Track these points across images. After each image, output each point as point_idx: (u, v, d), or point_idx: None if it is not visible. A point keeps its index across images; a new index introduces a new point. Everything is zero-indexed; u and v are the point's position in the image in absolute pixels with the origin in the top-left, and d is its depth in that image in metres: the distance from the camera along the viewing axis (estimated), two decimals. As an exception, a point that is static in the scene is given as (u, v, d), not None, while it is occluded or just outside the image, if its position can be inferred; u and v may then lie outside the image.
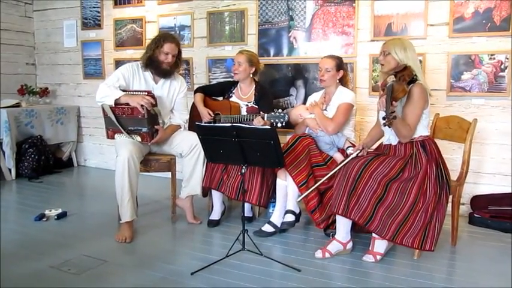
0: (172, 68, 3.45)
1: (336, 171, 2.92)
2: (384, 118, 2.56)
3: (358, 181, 2.70)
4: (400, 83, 2.64)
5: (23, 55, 5.74)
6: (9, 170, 4.73)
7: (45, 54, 5.82)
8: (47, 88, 5.62)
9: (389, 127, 2.60)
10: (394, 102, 2.59)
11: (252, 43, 4.39)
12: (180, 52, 3.48)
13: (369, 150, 3.05)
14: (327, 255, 2.85)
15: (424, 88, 2.72)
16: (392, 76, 2.68)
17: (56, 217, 3.56)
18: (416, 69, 2.74)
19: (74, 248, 2.99)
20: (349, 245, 2.91)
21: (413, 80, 2.70)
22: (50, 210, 3.63)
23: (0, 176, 4.79)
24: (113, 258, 2.84)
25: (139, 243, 3.11)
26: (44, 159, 5.04)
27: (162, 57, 3.36)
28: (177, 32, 4.75)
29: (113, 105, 3.20)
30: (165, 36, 3.44)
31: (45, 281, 2.52)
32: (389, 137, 2.90)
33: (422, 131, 2.81)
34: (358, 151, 2.95)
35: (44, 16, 5.75)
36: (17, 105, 5.03)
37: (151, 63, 3.40)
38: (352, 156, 2.90)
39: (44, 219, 3.55)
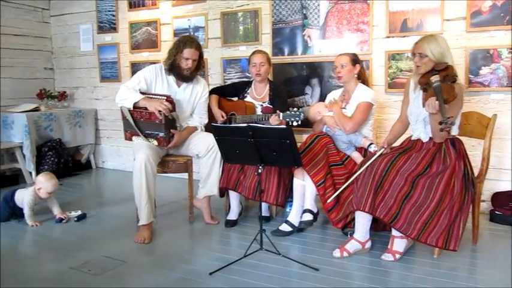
0: (193, 73, 3.45)
1: (362, 171, 2.88)
2: (440, 123, 2.47)
3: (385, 178, 2.68)
4: (448, 85, 2.58)
5: (41, 60, 5.83)
6: (30, 172, 4.81)
7: (63, 59, 5.91)
8: (64, 92, 5.71)
9: (448, 133, 2.54)
10: (446, 106, 2.52)
11: (266, 42, 4.39)
12: (201, 56, 3.46)
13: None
14: (345, 254, 2.83)
15: (462, 88, 2.69)
16: (437, 76, 2.61)
17: (75, 219, 3.61)
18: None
19: (93, 249, 3.03)
20: (368, 244, 2.89)
21: (455, 80, 2.67)
22: (70, 212, 3.68)
23: (21, 179, 4.87)
24: (132, 259, 2.87)
25: (158, 244, 3.14)
26: (63, 162, 5.12)
27: (183, 64, 3.36)
28: (192, 33, 4.77)
29: (132, 109, 3.23)
30: (185, 41, 3.40)
31: (66, 282, 2.56)
32: (420, 134, 2.84)
33: (455, 129, 2.78)
34: (383, 149, 2.91)
35: (61, 21, 5.83)
36: (36, 109, 5.11)
37: (173, 69, 3.42)
38: (376, 155, 2.86)
39: (64, 221, 3.60)
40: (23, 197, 3.55)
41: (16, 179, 4.91)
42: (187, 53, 3.34)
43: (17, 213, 3.60)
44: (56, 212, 3.63)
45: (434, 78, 2.60)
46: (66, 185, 4.86)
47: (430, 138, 2.79)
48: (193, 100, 3.55)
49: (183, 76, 3.43)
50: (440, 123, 2.47)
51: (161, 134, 3.27)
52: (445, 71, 2.64)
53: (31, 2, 5.64)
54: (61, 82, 5.96)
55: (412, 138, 2.91)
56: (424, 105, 2.65)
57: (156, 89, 3.43)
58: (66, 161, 5.19)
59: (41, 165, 4.93)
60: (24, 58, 5.60)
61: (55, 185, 3.60)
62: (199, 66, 3.49)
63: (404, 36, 3.76)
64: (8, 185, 4.70)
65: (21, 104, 5.22)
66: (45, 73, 5.89)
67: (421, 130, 2.82)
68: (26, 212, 3.51)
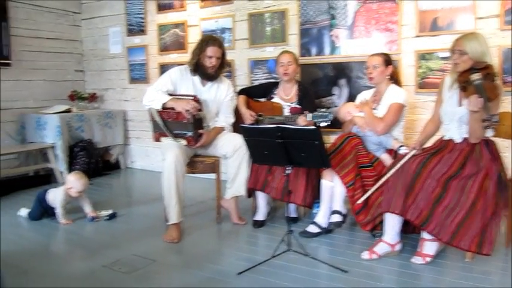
0: (217, 71, 3.49)
1: (393, 172, 2.84)
2: (484, 120, 2.43)
3: (416, 179, 2.63)
4: (490, 83, 2.53)
5: (72, 62, 5.97)
6: (62, 172, 4.93)
7: (93, 61, 6.03)
8: (95, 93, 5.83)
9: (493, 131, 2.49)
10: (489, 104, 2.48)
11: (293, 43, 4.38)
12: (224, 54, 3.50)
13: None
14: (374, 256, 2.80)
15: (501, 87, 2.64)
16: (478, 74, 2.54)
17: (106, 218, 3.69)
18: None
19: (124, 248, 3.09)
20: (398, 247, 2.85)
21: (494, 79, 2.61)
22: (101, 211, 3.76)
23: (53, 178, 5.00)
24: (161, 258, 2.91)
25: (186, 244, 3.17)
26: (93, 162, 5.22)
27: (207, 62, 3.40)
28: (219, 34, 4.80)
29: (160, 110, 3.28)
30: (207, 40, 3.46)
31: (99, 280, 2.61)
32: (453, 134, 2.78)
33: (489, 131, 2.72)
34: (414, 151, 2.86)
35: (91, 24, 5.96)
36: (68, 111, 5.24)
37: (198, 69, 3.46)
38: (407, 157, 2.81)
39: (96, 219, 3.68)
40: (54, 197, 3.64)
41: (48, 179, 5.03)
42: (211, 51, 3.38)
43: (49, 212, 3.70)
44: (88, 210, 3.72)
45: (475, 76, 2.53)
46: (97, 184, 4.96)
47: (464, 139, 2.73)
48: (219, 99, 3.58)
49: (208, 75, 3.46)
50: (484, 120, 2.42)
51: (189, 134, 3.30)
52: (486, 70, 2.57)
53: (63, 6, 5.78)
54: (91, 84, 6.09)
55: (445, 138, 2.86)
56: (461, 104, 2.60)
57: (182, 89, 3.47)
58: (96, 161, 5.29)
59: (72, 165, 5.03)
60: (56, 61, 5.74)
61: (85, 184, 3.68)
62: (223, 65, 3.53)
63: (434, 36, 3.69)
64: (41, 184, 4.83)
65: (53, 105, 5.36)
66: (76, 75, 6.03)
67: (454, 130, 2.76)
68: (58, 211, 3.60)
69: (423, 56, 3.74)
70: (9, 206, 4.11)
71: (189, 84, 3.50)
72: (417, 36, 3.77)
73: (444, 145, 2.82)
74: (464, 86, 2.62)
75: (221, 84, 3.59)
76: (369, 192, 2.99)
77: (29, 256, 2.98)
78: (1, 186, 4.56)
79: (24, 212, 3.77)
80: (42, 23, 5.55)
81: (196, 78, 3.52)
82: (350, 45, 4.09)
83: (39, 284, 2.57)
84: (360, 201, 3.02)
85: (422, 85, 3.78)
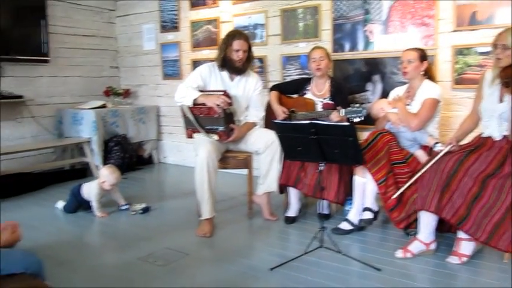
0: (245, 64, 3.51)
1: (427, 169, 2.79)
2: None
3: (453, 177, 2.58)
4: None
5: (107, 59, 6.10)
6: (97, 166, 5.04)
7: (127, 58, 6.15)
8: (129, 89, 5.94)
9: None
10: None
11: (326, 39, 4.34)
12: (250, 47, 3.52)
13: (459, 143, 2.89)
14: (408, 255, 2.76)
15: None
16: None
17: (141, 211, 3.76)
18: None
19: (157, 241, 3.14)
20: (433, 246, 2.80)
21: None
22: (135, 205, 3.83)
23: (89, 172, 5.13)
24: (194, 252, 2.95)
25: (218, 238, 3.20)
26: (127, 157, 5.32)
27: (234, 56, 3.42)
28: (251, 30, 4.81)
29: (191, 106, 3.32)
30: (233, 34, 3.50)
31: (134, 272, 2.67)
32: (493, 132, 2.70)
33: None
34: (450, 146, 2.80)
35: (126, 21, 6.06)
36: (103, 106, 5.35)
37: (226, 63, 3.48)
38: (443, 151, 2.76)
39: (133, 213, 3.76)
40: (89, 190, 3.73)
41: (84, 173, 5.17)
42: (237, 44, 3.40)
43: (83, 205, 3.80)
44: (120, 201, 3.84)
45: None
46: (131, 178, 5.06)
47: (504, 137, 2.65)
48: (247, 93, 3.60)
49: (236, 68, 3.48)
50: None
51: (221, 128, 3.33)
52: None
53: (99, 4, 5.91)
54: (125, 80, 6.20)
55: (483, 135, 2.78)
56: (502, 101, 2.52)
57: (211, 86, 3.51)
58: (130, 156, 5.39)
59: (107, 159, 5.13)
60: (92, 57, 5.88)
61: (118, 178, 3.76)
62: (250, 58, 3.54)
63: (473, 30, 3.59)
64: (76, 178, 4.97)
65: (89, 101, 5.49)
66: (111, 71, 6.16)
67: (494, 127, 2.68)
68: (94, 204, 3.69)
69: (461, 51, 3.65)
70: (45, 199, 4.25)
71: (217, 80, 3.53)
72: (454, 31, 3.68)
73: (482, 142, 2.75)
74: (507, 81, 2.54)
75: (249, 78, 3.60)
76: (402, 189, 2.94)
77: (66, 248, 3.07)
78: (39, 179, 4.71)
79: (61, 204, 3.88)
80: (78, 21, 5.69)
81: (225, 74, 3.54)
82: (384, 40, 4.03)
83: (76, 275, 2.65)
84: (393, 198, 2.97)
85: (459, 81, 3.69)
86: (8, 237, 1.95)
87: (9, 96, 4.86)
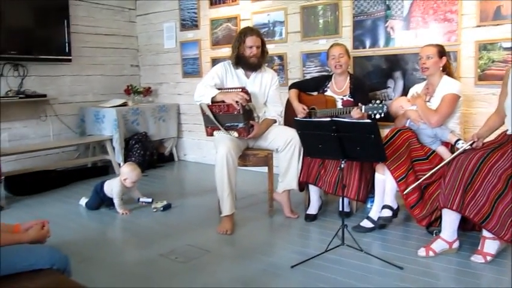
0: (259, 60, 3.51)
1: (444, 165, 2.76)
2: None
3: (476, 175, 2.53)
4: None
5: (128, 57, 6.17)
6: (119, 164, 5.11)
7: (148, 56, 6.20)
8: (149, 87, 5.99)
9: None
10: None
11: (346, 35, 4.31)
12: (263, 42, 3.52)
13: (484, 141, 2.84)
14: (431, 253, 2.73)
15: None
16: None
17: (162, 208, 3.80)
18: None
19: (179, 238, 3.17)
20: (456, 244, 2.75)
21: None
22: (156, 202, 3.87)
23: (111, 170, 5.20)
24: (215, 249, 2.97)
25: (239, 236, 3.21)
26: (148, 154, 5.37)
27: (248, 52, 3.44)
28: (271, 28, 4.81)
29: (210, 104, 3.33)
30: (245, 31, 3.52)
31: (157, 268, 2.70)
32: None
33: None
34: (472, 142, 2.76)
35: (146, 20, 6.12)
36: (124, 104, 5.41)
37: (240, 61, 3.49)
38: (464, 147, 2.72)
39: (154, 210, 3.80)
40: (111, 187, 3.79)
41: (106, 170, 5.24)
42: (250, 41, 3.42)
43: (106, 202, 3.86)
44: (138, 195, 3.91)
45: None
46: (151, 176, 5.11)
47: None
48: (265, 89, 3.60)
49: (250, 64, 3.49)
50: None
51: (240, 125, 3.33)
52: None
53: (119, 3, 5.98)
54: (146, 78, 6.26)
55: (508, 133, 2.73)
56: None
57: (228, 83, 3.52)
58: (151, 154, 5.44)
59: (128, 157, 5.19)
60: (113, 56, 5.96)
61: (138, 175, 3.81)
62: (264, 53, 3.54)
63: (497, 25, 3.52)
64: (98, 175, 5.04)
65: (110, 99, 5.57)
66: (131, 70, 6.22)
67: None
68: (116, 201, 3.74)
69: (485, 47, 3.58)
70: (68, 196, 4.33)
71: (234, 78, 3.55)
72: (478, 26, 3.61)
73: (507, 140, 2.70)
74: None
75: (265, 74, 3.60)
76: (417, 183, 2.91)
77: (89, 244, 3.12)
78: (62, 177, 4.79)
79: (84, 201, 3.94)
80: (100, 20, 5.77)
81: (240, 71, 3.55)
82: (406, 36, 3.97)
83: (99, 270, 2.69)
84: (407, 191, 2.93)
85: (483, 77, 3.62)
86: (37, 233, 1.99)
87: (33, 95, 4.95)
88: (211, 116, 3.37)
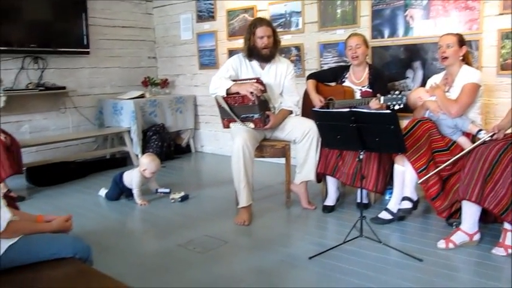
0: (272, 50, 3.48)
1: (462, 155, 2.72)
2: None
3: (496, 166, 2.49)
4: None
5: (145, 49, 6.20)
6: (137, 155, 5.15)
7: (165, 48, 6.22)
8: (166, 79, 6.01)
9: None
10: None
11: (364, 25, 4.25)
12: (275, 31, 3.49)
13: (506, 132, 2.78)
14: (451, 245, 2.69)
15: None
16: None
17: (180, 199, 3.82)
18: None
19: (196, 228, 3.19)
20: (476, 237, 2.72)
21: None
22: (175, 193, 3.90)
23: (129, 161, 5.25)
24: (232, 239, 2.98)
25: (256, 227, 3.22)
26: (166, 146, 5.40)
27: (259, 43, 3.42)
28: (288, 18, 4.77)
29: (225, 96, 3.33)
30: (254, 22, 3.50)
31: (175, 258, 2.73)
32: None
33: None
34: (492, 133, 2.71)
35: (163, 12, 6.13)
36: (142, 96, 5.45)
37: (253, 53, 3.48)
38: (484, 138, 2.67)
39: (172, 200, 3.83)
40: (130, 178, 3.82)
41: (124, 161, 5.29)
42: (260, 31, 3.39)
43: (125, 193, 3.90)
44: (156, 186, 3.94)
45: None
46: (169, 167, 5.15)
47: None
48: (280, 80, 3.57)
49: (263, 55, 3.47)
50: None
51: (256, 116, 3.33)
52: None
53: (137, -5, 6.01)
54: (163, 70, 6.29)
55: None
56: None
57: (242, 75, 3.51)
58: (168, 145, 5.48)
59: (146, 148, 5.22)
60: (131, 48, 5.99)
61: (158, 166, 3.84)
62: (277, 43, 3.51)
63: (521, 13, 3.44)
64: (117, 166, 5.09)
65: (128, 91, 5.60)
66: (149, 62, 6.25)
67: None
68: (135, 192, 3.78)
69: (507, 35, 3.50)
70: (88, 187, 4.38)
71: (248, 69, 3.53)
72: (501, 14, 3.53)
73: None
74: None
75: (279, 64, 3.58)
76: (433, 172, 2.88)
77: (109, 234, 3.16)
78: (81, 168, 4.86)
79: (103, 192, 3.99)
80: (117, 12, 5.80)
81: (255, 63, 3.54)
82: (425, 25, 3.90)
83: (119, 260, 2.73)
84: (420, 181, 2.91)
85: (505, 66, 3.54)
86: (61, 225, 2.02)
87: (52, 87, 5.02)
88: (226, 107, 3.37)
